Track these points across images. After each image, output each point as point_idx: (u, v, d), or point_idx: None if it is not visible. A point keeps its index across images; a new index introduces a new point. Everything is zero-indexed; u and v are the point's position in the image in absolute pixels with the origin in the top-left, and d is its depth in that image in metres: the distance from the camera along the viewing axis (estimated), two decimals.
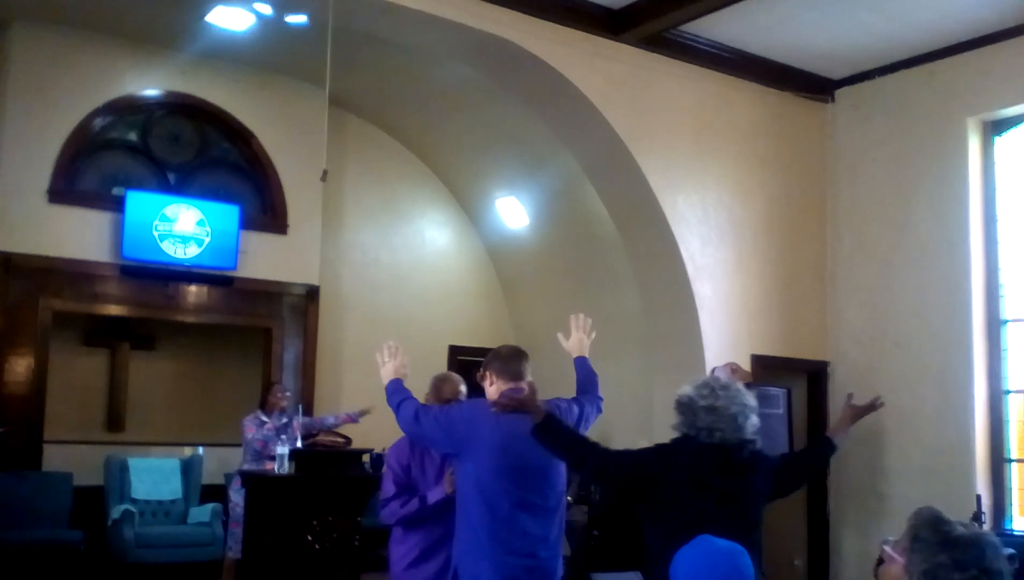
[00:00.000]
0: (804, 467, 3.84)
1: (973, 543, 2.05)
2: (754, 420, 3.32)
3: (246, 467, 7.03)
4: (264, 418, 7.17)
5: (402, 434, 3.95)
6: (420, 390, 4.06)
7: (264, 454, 6.93)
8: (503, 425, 3.55)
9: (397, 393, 3.78)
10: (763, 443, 3.42)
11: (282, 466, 6.13)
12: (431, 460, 3.88)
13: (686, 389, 3.32)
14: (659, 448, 3.40)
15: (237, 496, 6.96)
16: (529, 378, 3.74)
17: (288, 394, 7.42)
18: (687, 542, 2.43)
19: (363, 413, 7.51)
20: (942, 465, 7.20)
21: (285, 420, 7.14)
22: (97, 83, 8.38)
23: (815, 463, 3.90)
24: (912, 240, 7.63)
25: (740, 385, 3.39)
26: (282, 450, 6.18)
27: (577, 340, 4.03)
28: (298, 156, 9.03)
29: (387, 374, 3.86)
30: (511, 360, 3.76)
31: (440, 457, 3.86)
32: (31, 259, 8.01)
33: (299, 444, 6.96)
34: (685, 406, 3.29)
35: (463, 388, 4.09)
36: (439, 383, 4.12)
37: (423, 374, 4.33)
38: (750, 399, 3.34)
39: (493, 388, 3.74)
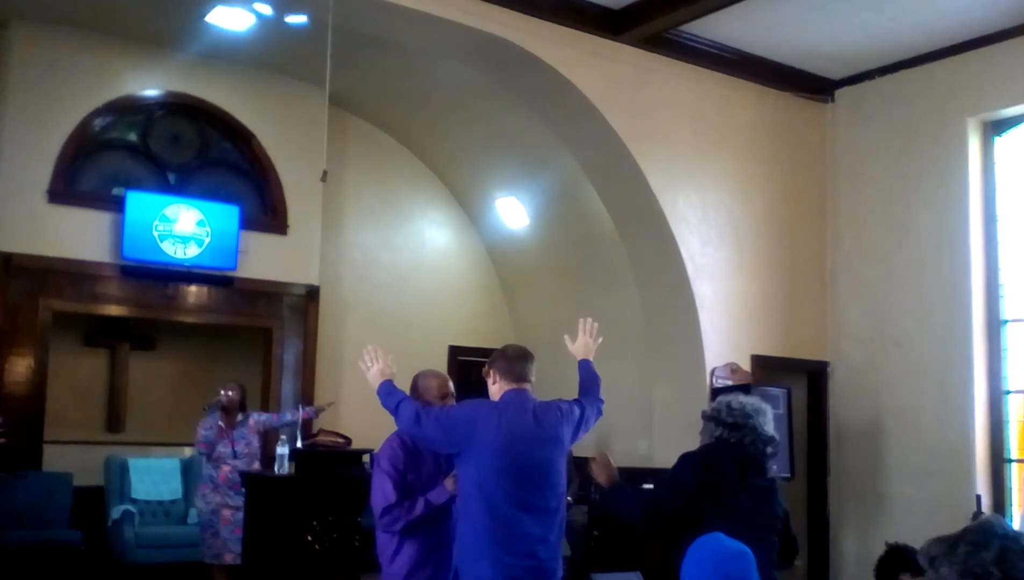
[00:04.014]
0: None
1: (979, 526, 2.11)
2: (771, 416, 3.68)
3: (205, 472, 6.95)
4: (215, 419, 6.92)
5: (388, 436, 3.89)
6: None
7: (211, 456, 6.82)
8: (504, 425, 3.56)
9: (392, 394, 3.76)
10: None
11: (282, 466, 6.14)
12: (424, 461, 3.82)
13: (705, 408, 3.83)
14: (698, 461, 3.64)
15: (201, 503, 6.88)
16: (533, 379, 3.76)
17: (229, 393, 7.01)
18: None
19: (322, 409, 7.50)
20: (942, 465, 7.20)
21: (240, 418, 7.00)
22: (97, 83, 8.36)
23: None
24: (912, 240, 7.63)
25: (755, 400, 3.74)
26: (282, 450, 6.18)
27: (583, 343, 4.07)
28: (298, 156, 9.01)
29: (375, 377, 3.85)
30: (516, 361, 3.76)
31: (433, 457, 3.81)
32: (31, 259, 7.99)
33: (255, 443, 6.94)
34: (713, 414, 3.69)
35: (451, 385, 4.02)
36: (426, 381, 3.96)
37: None
38: (762, 403, 3.72)
39: (496, 387, 3.74)
